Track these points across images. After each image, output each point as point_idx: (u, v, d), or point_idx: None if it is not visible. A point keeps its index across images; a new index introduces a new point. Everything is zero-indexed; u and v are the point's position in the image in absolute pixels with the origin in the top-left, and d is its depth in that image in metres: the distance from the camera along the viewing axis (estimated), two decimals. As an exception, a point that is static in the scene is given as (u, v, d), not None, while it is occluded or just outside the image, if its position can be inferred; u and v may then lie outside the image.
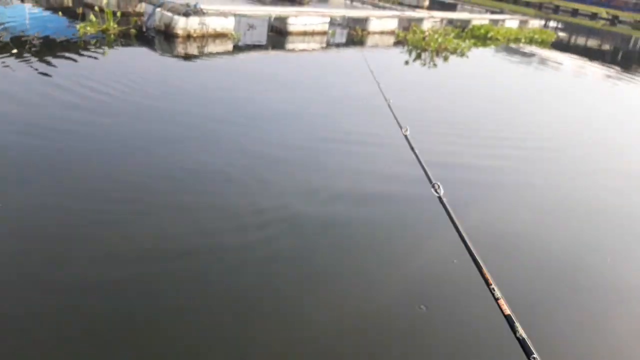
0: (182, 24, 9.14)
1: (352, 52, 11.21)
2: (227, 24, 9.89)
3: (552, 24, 27.90)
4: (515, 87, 10.25)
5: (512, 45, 15.58)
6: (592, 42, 23.70)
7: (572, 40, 23.25)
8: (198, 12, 9.39)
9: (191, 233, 3.18)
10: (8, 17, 8.88)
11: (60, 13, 9.39)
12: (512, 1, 35.77)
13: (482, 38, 15.16)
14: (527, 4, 35.65)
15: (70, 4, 10.87)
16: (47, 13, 9.76)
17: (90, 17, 8.57)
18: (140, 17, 10.09)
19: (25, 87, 5.47)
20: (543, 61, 14.46)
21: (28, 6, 10.19)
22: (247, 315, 2.55)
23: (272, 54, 9.80)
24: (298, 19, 11.29)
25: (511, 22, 18.18)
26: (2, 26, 7.98)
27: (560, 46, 17.85)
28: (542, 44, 16.78)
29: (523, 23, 18.82)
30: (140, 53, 8.20)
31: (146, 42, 8.85)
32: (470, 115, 7.21)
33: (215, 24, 9.68)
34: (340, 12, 13.41)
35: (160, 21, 9.38)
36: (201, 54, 8.58)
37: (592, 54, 18.72)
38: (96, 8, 9.36)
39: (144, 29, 9.52)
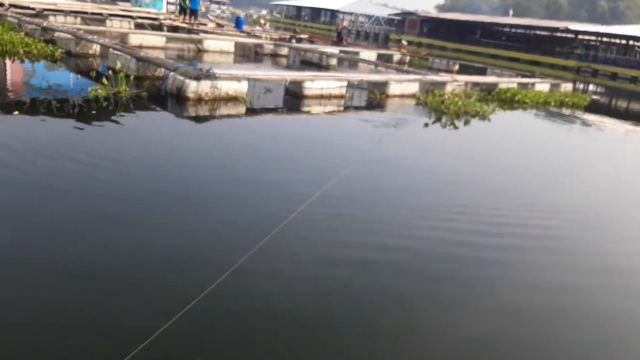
0: (193, 88, 9.25)
1: (358, 116, 11.06)
2: (240, 88, 9.96)
3: (590, 87, 27.29)
4: (535, 153, 9.71)
5: (541, 108, 15.09)
6: (634, 106, 22.86)
7: (612, 103, 22.51)
8: (210, 76, 9.52)
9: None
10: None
11: (79, 76, 9.77)
12: (549, 66, 35.52)
13: (508, 101, 14.77)
14: (564, 68, 35.27)
15: (96, 67, 11.36)
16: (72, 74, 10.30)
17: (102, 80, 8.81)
18: (156, 81, 10.34)
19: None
20: (572, 124, 13.88)
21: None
22: None
23: (280, 118, 9.76)
24: (314, 83, 11.28)
25: (541, 86, 17.74)
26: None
27: (594, 109, 17.17)
28: (574, 107, 16.20)
29: (554, 86, 18.34)
30: (140, 117, 8.19)
31: (157, 105, 8.97)
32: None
33: (228, 87, 9.76)
34: (358, 77, 13.42)
35: (173, 85, 9.56)
36: (205, 118, 8.58)
37: (633, 117, 17.95)
38: (110, 72, 9.65)
39: (162, 93, 9.69)
